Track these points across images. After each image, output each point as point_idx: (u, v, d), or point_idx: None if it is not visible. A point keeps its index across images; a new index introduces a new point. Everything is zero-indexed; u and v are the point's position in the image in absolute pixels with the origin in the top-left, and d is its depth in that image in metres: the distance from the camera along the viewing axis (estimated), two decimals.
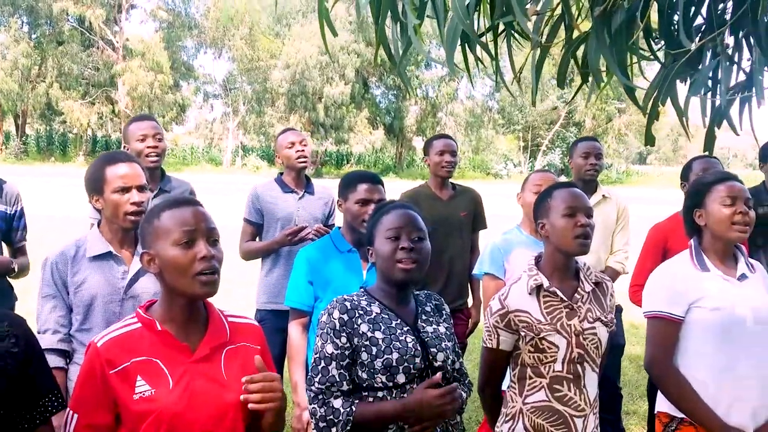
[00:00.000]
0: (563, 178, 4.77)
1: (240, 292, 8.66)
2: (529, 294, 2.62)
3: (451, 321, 2.61)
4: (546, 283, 2.62)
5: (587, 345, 2.59)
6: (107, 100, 45.83)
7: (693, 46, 2.34)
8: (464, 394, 2.50)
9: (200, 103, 52.60)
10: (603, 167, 4.70)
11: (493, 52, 2.75)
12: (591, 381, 2.63)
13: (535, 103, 2.87)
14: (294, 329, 3.27)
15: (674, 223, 3.85)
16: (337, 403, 2.28)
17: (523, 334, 2.60)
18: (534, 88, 2.59)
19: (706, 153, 4.53)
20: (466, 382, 2.59)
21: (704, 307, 2.66)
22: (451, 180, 4.82)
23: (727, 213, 2.70)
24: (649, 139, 2.73)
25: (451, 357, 2.44)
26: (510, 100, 54.23)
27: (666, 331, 2.72)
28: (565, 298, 2.61)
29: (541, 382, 2.60)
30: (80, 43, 45.28)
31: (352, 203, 3.23)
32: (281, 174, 4.64)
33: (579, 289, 2.65)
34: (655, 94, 2.42)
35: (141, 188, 2.85)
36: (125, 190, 2.79)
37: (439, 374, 2.32)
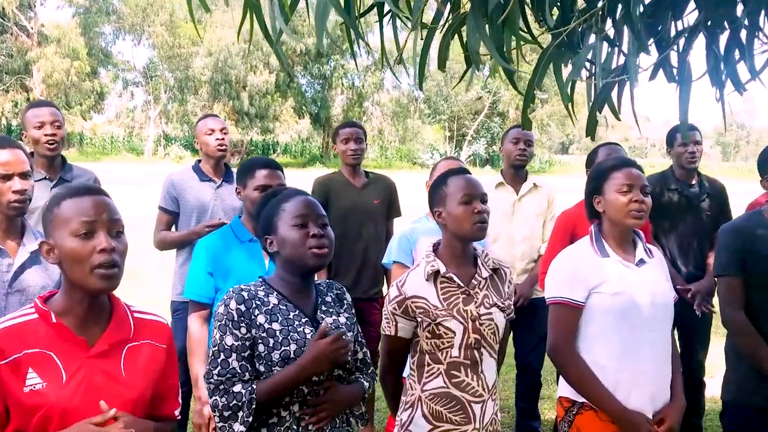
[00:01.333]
0: (490, 168, 4.69)
1: (160, 283, 8.41)
2: (426, 280, 2.63)
3: (353, 310, 2.58)
4: (443, 269, 2.62)
5: (484, 330, 2.61)
6: (22, 88, 44.05)
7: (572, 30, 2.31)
8: (366, 384, 2.50)
9: (120, 90, 51.16)
10: (532, 155, 4.75)
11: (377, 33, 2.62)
12: (489, 367, 2.65)
13: (421, 86, 2.77)
14: (194, 322, 3.16)
15: (582, 210, 3.89)
16: (237, 387, 2.23)
17: (420, 320, 2.60)
18: (418, 72, 2.45)
19: (612, 141, 4.61)
20: (370, 372, 2.58)
21: (604, 292, 2.68)
22: (366, 169, 4.84)
23: (624, 200, 2.71)
24: (526, 123, 2.68)
25: (352, 347, 2.41)
26: (436, 90, 54.64)
27: (567, 316, 2.73)
28: (461, 284, 2.62)
29: (438, 369, 2.61)
30: None
31: (251, 190, 3.15)
32: (199, 161, 4.50)
33: (476, 275, 2.67)
34: (532, 78, 2.36)
35: (24, 175, 2.73)
36: (6, 177, 2.69)
37: (326, 322, 2.33)
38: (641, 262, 2.77)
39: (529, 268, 4.65)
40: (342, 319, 2.45)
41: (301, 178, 29.25)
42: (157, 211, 4.46)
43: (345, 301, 2.55)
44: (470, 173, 2.77)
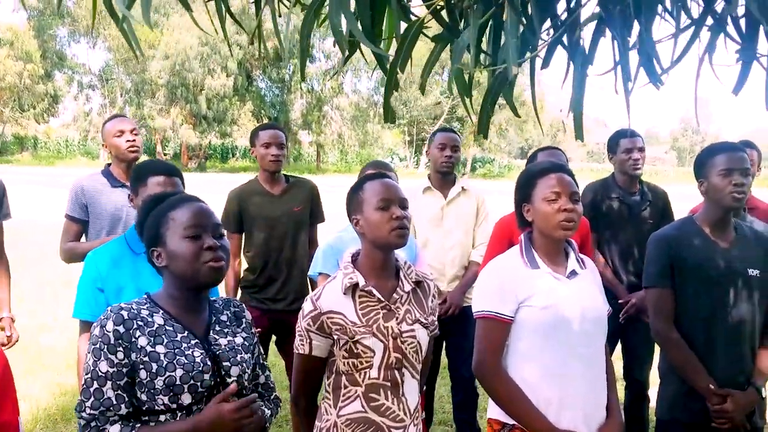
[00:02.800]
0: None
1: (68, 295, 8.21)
2: (344, 294, 2.40)
3: (253, 330, 2.36)
4: (362, 282, 2.40)
5: (406, 349, 2.40)
6: None
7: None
8: (268, 411, 2.33)
9: (75, 93, 50.21)
10: (459, 159, 4.57)
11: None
12: (411, 389, 2.45)
13: (303, 76, 2.57)
14: (83, 344, 2.85)
15: None
16: (114, 429, 1.99)
17: (336, 337, 2.37)
18: (300, 61, 2.15)
19: (552, 146, 4.49)
20: (272, 397, 2.40)
21: (533, 306, 2.52)
22: (285, 172, 4.54)
23: (552, 209, 2.54)
24: (388, 116, 2.27)
25: (248, 371, 2.22)
26: (396, 94, 54.48)
27: (495, 331, 2.55)
28: (382, 298, 2.41)
29: (356, 391, 2.39)
30: None
31: (143, 199, 2.85)
32: (109, 165, 4.14)
33: (398, 288, 2.46)
34: (394, 60, 1.99)
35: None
36: None
37: (234, 385, 2.11)
38: (573, 273, 2.61)
39: (460, 275, 4.48)
40: (238, 340, 2.24)
41: None
42: (63, 219, 4.06)
43: (244, 320, 2.33)
44: (389, 177, 2.56)
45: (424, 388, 3.39)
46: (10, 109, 42.26)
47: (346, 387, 2.40)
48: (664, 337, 3.02)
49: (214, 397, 2.07)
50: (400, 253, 3.18)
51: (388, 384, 2.38)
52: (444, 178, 4.51)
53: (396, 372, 2.38)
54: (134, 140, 4.02)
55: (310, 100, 49.86)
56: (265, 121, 48.22)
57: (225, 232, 2.29)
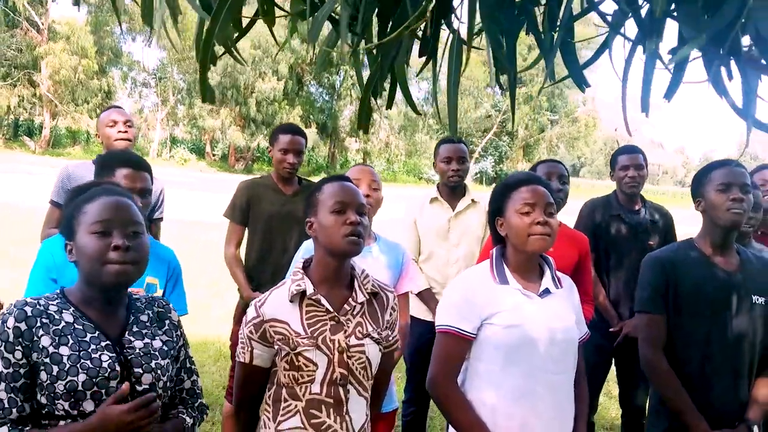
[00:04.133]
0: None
1: None
2: (291, 301, 2.24)
3: (180, 331, 2.20)
4: (310, 290, 2.24)
5: (353, 364, 2.23)
6: (29, 83, 43.77)
7: None
8: (189, 420, 2.17)
9: (129, 90, 50.95)
10: (467, 170, 4.33)
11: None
12: (357, 407, 2.27)
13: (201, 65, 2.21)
14: None
15: None
16: (2, 430, 1.85)
17: (277, 347, 2.21)
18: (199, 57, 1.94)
19: (552, 158, 4.22)
20: (197, 404, 2.23)
21: (497, 324, 2.36)
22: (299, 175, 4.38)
23: (525, 222, 2.38)
24: (362, 120, 2.17)
25: (164, 378, 2.03)
26: (443, 105, 54.19)
27: (454, 348, 2.41)
28: (330, 309, 2.24)
29: (296, 406, 2.22)
30: (4, 23, 43.14)
31: None
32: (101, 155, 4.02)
33: (350, 299, 2.29)
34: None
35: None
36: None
37: (126, 385, 1.92)
38: (546, 292, 2.44)
39: None
40: (157, 343, 2.06)
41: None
42: (48, 205, 4.03)
43: (168, 321, 2.17)
44: (349, 180, 2.37)
45: (396, 406, 3.37)
46: (64, 103, 42.93)
47: (286, 401, 2.25)
48: (653, 368, 2.80)
49: (106, 400, 1.90)
50: (377, 268, 3.02)
51: (331, 401, 2.22)
52: (453, 191, 4.25)
53: (340, 388, 2.22)
54: (126, 131, 3.97)
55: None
56: (314, 126, 48.32)
57: (142, 230, 2.04)
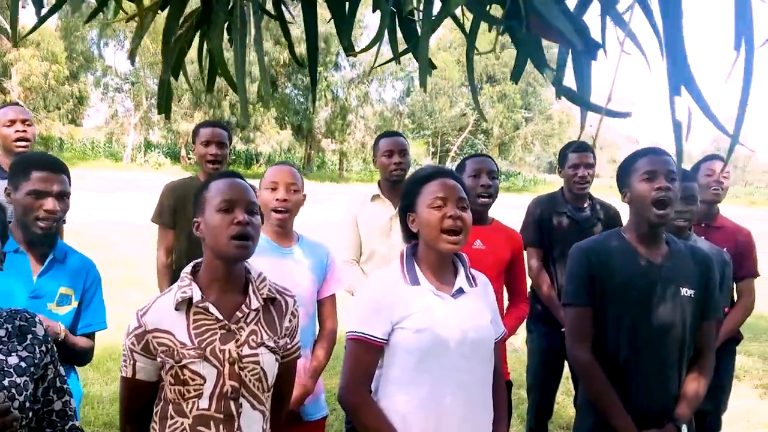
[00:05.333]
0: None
1: None
2: (176, 310, 2.07)
3: (47, 346, 2.03)
4: (197, 297, 2.07)
5: (246, 376, 2.08)
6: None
7: None
8: None
9: (101, 95, 50.35)
10: (409, 165, 4.15)
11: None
12: (251, 421, 2.12)
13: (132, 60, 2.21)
14: None
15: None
16: None
17: (159, 360, 2.05)
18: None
19: (481, 152, 4.11)
20: (67, 427, 2.07)
21: (408, 327, 2.23)
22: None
23: (436, 216, 2.26)
24: (243, 118, 2.16)
25: (21, 398, 1.87)
26: (420, 105, 54.36)
27: (364, 355, 2.27)
28: (220, 317, 2.08)
29: (182, 423, 2.06)
30: None
31: (23, 194, 2.57)
32: None
33: (243, 305, 2.13)
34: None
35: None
36: None
37: None
38: (459, 292, 2.33)
39: None
40: (13, 360, 1.91)
41: None
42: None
43: (30, 336, 2.00)
44: (240, 177, 2.22)
45: (326, 414, 3.20)
46: (36, 110, 42.36)
47: (172, 417, 2.08)
48: (578, 363, 2.71)
49: None
50: (299, 271, 2.92)
51: (221, 416, 2.05)
52: (395, 186, 4.03)
53: (231, 402, 2.07)
54: (25, 131, 3.80)
55: (335, 108, 49.58)
56: (289, 128, 48.08)
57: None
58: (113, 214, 19.45)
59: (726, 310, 3.58)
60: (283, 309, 2.25)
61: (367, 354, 2.28)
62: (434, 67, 1.92)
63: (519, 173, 60.15)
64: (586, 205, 4.23)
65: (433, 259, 2.34)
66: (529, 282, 4.23)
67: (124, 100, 50.25)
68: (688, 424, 2.65)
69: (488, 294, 2.48)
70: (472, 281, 2.40)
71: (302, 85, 48.22)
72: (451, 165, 53.60)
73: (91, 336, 2.82)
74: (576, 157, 4.18)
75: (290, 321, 2.27)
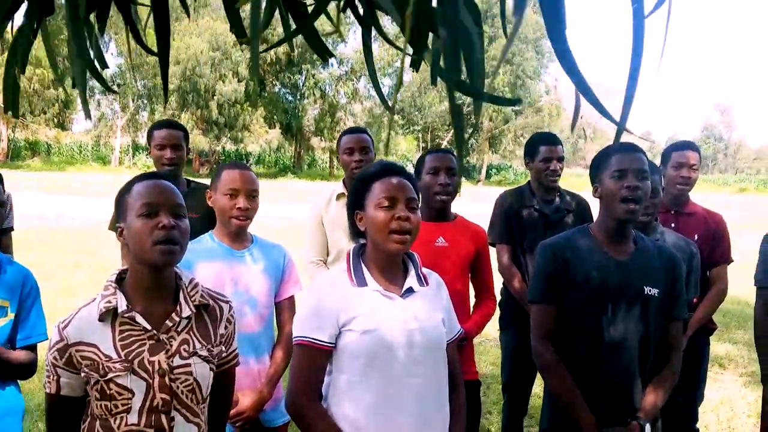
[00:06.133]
0: (465, 180, 3.97)
1: None
2: (100, 321, 1.96)
3: None
4: (122, 307, 1.95)
5: (178, 388, 1.98)
6: None
7: None
8: None
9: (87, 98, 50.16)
10: (372, 160, 4.00)
11: None
12: None
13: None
14: None
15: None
16: None
17: (84, 375, 1.93)
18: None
19: (443, 147, 3.98)
20: None
21: (354, 330, 2.15)
22: (189, 178, 4.04)
23: (384, 216, 2.18)
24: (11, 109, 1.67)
25: None
26: (410, 100, 54.31)
27: (311, 360, 2.17)
28: (148, 327, 1.97)
29: None
30: None
31: None
32: None
33: (173, 314, 2.02)
34: None
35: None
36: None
37: None
38: (409, 292, 2.24)
39: None
40: None
41: (272, 189, 28.63)
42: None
43: None
44: (164, 178, 2.09)
45: (288, 419, 3.01)
46: (21, 115, 42.17)
47: None
48: (541, 360, 2.65)
49: None
50: (251, 275, 2.85)
51: (151, 431, 1.95)
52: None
53: (162, 416, 1.96)
54: None
55: (323, 105, 49.50)
56: (278, 127, 47.95)
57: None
58: (101, 218, 19.33)
59: (695, 300, 3.49)
60: (217, 316, 2.14)
61: (314, 359, 2.18)
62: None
63: (510, 166, 60.15)
64: (554, 197, 4.14)
65: (381, 259, 2.26)
66: (501, 278, 4.15)
67: (112, 103, 50.07)
68: (653, 422, 2.57)
69: (441, 293, 2.38)
70: (423, 281, 2.31)
71: (290, 83, 48.13)
72: None
73: (32, 348, 2.71)
74: (547, 150, 4.08)
75: (225, 328, 2.16)
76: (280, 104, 48.70)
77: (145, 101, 47.50)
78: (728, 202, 34.84)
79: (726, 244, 3.98)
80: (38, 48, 41.48)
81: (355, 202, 2.29)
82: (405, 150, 58.45)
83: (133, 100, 47.67)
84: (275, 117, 48.73)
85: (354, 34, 47.28)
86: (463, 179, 52.47)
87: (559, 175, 4.09)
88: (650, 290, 2.58)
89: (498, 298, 4.30)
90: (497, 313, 4.28)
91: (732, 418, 5.48)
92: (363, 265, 2.28)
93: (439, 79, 1.20)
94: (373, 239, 2.24)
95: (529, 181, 4.26)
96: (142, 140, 50.59)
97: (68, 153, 47.93)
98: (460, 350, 3.24)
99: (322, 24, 1.67)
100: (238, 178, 2.93)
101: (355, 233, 2.34)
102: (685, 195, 3.99)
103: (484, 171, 56.30)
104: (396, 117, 54.51)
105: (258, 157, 51.08)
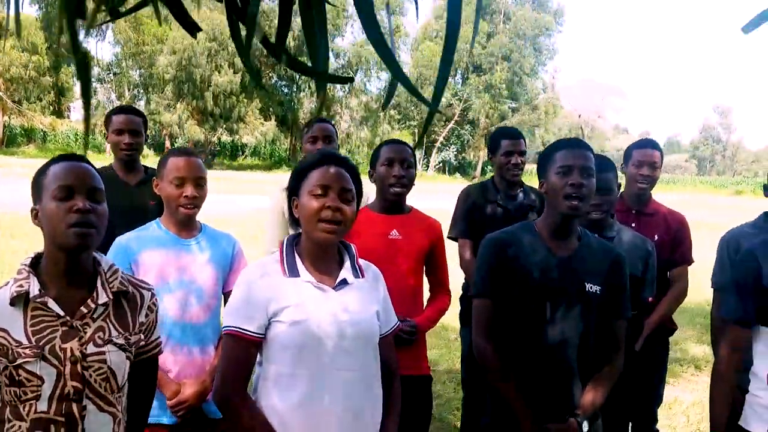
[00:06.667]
0: (460, 176, 3.94)
1: None
2: (12, 305, 1.91)
3: None
4: (35, 291, 1.91)
5: (91, 376, 1.94)
6: None
7: None
8: None
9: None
10: (336, 150, 3.97)
11: None
12: (98, 425, 1.98)
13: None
14: None
15: (361, 215, 3.30)
16: None
17: None
18: None
19: (397, 139, 3.92)
20: None
21: (283, 321, 2.13)
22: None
23: (316, 206, 2.16)
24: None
25: None
26: (406, 95, 54.23)
27: (239, 351, 2.16)
28: (61, 313, 1.93)
29: (20, 427, 1.91)
30: None
31: None
32: None
33: (89, 300, 1.97)
34: None
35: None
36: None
37: None
38: (343, 283, 2.22)
39: None
40: None
41: (267, 181, 28.48)
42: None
43: None
44: (81, 160, 2.02)
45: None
46: (17, 101, 42.06)
47: (9, 421, 1.93)
48: (480, 354, 2.63)
49: None
50: (197, 264, 2.81)
51: (62, 419, 1.92)
52: None
53: (73, 404, 1.93)
54: None
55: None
56: (273, 119, 47.88)
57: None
58: None
59: (651, 300, 3.47)
60: (137, 303, 2.10)
61: (243, 350, 2.16)
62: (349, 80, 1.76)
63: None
64: (518, 192, 4.13)
65: (314, 250, 2.23)
66: (464, 274, 4.14)
67: (108, 92, 49.99)
68: (592, 420, 2.56)
69: (377, 286, 2.36)
70: (358, 272, 2.29)
71: (286, 75, 48.03)
72: (437, 155, 53.65)
73: None
74: (509, 143, 4.07)
75: (146, 316, 2.12)
76: (276, 97, 48.61)
77: (141, 90, 47.35)
78: (716, 204, 34.76)
79: (687, 244, 3.96)
80: (34, 34, 41.42)
81: (293, 190, 2.27)
82: None
83: (128, 89, 47.56)
84: (271, 109, 48.69)
85: (351, 27, 47.25)
86: (457, 176, 52.62)
87: (522, 170, 4.07)
88: (591, 287, 2.55)
89: (460, 293, 4.29)
90: (459, 308, 4.27)
91: (701, 421, 5.47)
92: (297, 255, 2.24)
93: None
94: (304, 228, 2.22)
95: (492, 176, 4.23)
96: None
97: (64, 140, 47.77)
98: (412, 345, 3.22)
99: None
100: (185, 166, 2.89)
101: (293, 221, 2.31)
102: (646, 194, 3.96)
103: (479, 168, 56.25)
104: (392, 112, 54.46)
105: (254, 148, 50.99)
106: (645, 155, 3.93)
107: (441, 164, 54.45)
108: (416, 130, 56.97)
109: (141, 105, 49.12)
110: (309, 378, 2.13)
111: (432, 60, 52.80)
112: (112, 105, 48.22)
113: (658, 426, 4.13)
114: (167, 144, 47.74)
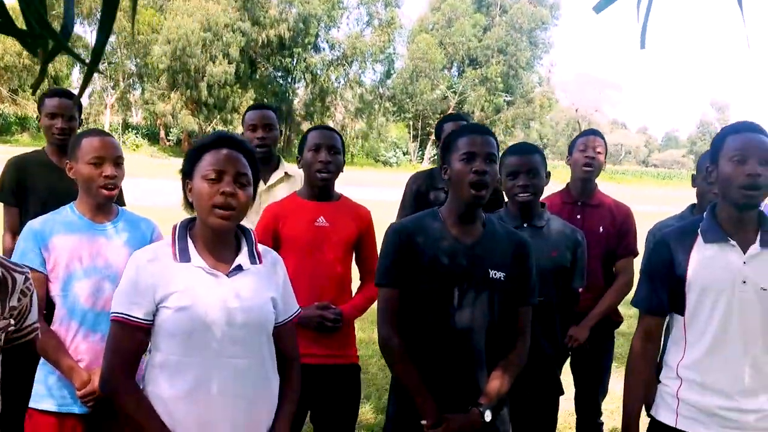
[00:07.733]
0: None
1: None
2: None
3: None
4: None
5: None
6: None
7: None
8: None
9: (78, 75, 49.85)
10: (276, 139, 3.97)
11: None
12: None
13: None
14: None
15: (287, 203, 3.28)
16: None
17: None
18: None
19: (326, 126, 3.92)
20: None
21: (170, 306, 2.09)
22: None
23: (208, 191, 2.11)
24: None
25: None
26: (401, 87, 54.11)
27: (126, 337, 2.12)
28: None
29: None
30: None
31: None
32: None
33: None
34: None
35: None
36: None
37: None
38: (237, 269, 2.17)
39: None
40: None
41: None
42: None
43: None
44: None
45: None
46: (10, 90, 41.93)
47: None
48: (384, 344, 2.56)
49: None
50: (112, 248, 2.79)
51: None
52: (264, 163, 3.71)
53: None
54: None
55: (314, 90, 49.26)
56: None
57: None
58: None
59: (580, 290, 3.42)
60: (9, 287, 1.99)
61: (130, 336, 2.11)
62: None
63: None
64: None
65: (208, 234, 2.17)
66: None
67: (103, 81, 49.79)
68: (497, 408, 2.51)
69: (276, 272, 2.30)
70: (256, 258, 2.24)
71: (281, 66, 47.88)
72: (431, 148, 53.49)
73: None
74: (452, 127, 3.95)
75: (19, 300, 2.00)
76: (271, 87, 48.44)
77: (136, 80, 47.19)
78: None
79: (632, 236, 3.92)
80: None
81: (187, 172, 2.20)
82: (396, 137, 58.25)
83: (123, 79, 47.40)
84: (265, 100, 48.55)
85: (347, 18, 47.11)
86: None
87: None
88: (495, 273, 2.50)
89: None
90: None
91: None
92: (190, 239, 2.19)
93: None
94: (198, 212, 2.16)
95: (439, 164, 4.18)
96: (133, 119, 50.44)
97: None
98: (338, 333, 3.18)
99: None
100: (102, 145, 2.80)
101: (188, 204, 2.24)
102: (592, 182, 3.93)
103: None
104: (387, 104, 54.32)
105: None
106: (588, 141, 3.93)
107: (435, 156, 54.36)
108: (411, 123, 56.85)
109: (136, 95, 49.05)
110: (197, 366, 2.09)
111: (427, 53, 52.63)
112: (107, 94, 48.13)
113: (603, 419, 4.10)
114: (161, 134, 47.64)
